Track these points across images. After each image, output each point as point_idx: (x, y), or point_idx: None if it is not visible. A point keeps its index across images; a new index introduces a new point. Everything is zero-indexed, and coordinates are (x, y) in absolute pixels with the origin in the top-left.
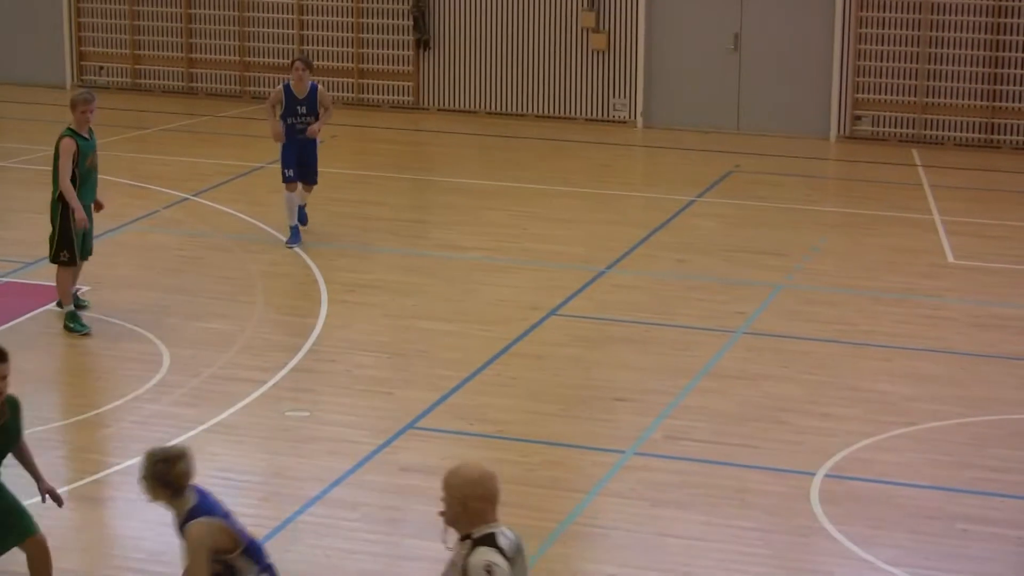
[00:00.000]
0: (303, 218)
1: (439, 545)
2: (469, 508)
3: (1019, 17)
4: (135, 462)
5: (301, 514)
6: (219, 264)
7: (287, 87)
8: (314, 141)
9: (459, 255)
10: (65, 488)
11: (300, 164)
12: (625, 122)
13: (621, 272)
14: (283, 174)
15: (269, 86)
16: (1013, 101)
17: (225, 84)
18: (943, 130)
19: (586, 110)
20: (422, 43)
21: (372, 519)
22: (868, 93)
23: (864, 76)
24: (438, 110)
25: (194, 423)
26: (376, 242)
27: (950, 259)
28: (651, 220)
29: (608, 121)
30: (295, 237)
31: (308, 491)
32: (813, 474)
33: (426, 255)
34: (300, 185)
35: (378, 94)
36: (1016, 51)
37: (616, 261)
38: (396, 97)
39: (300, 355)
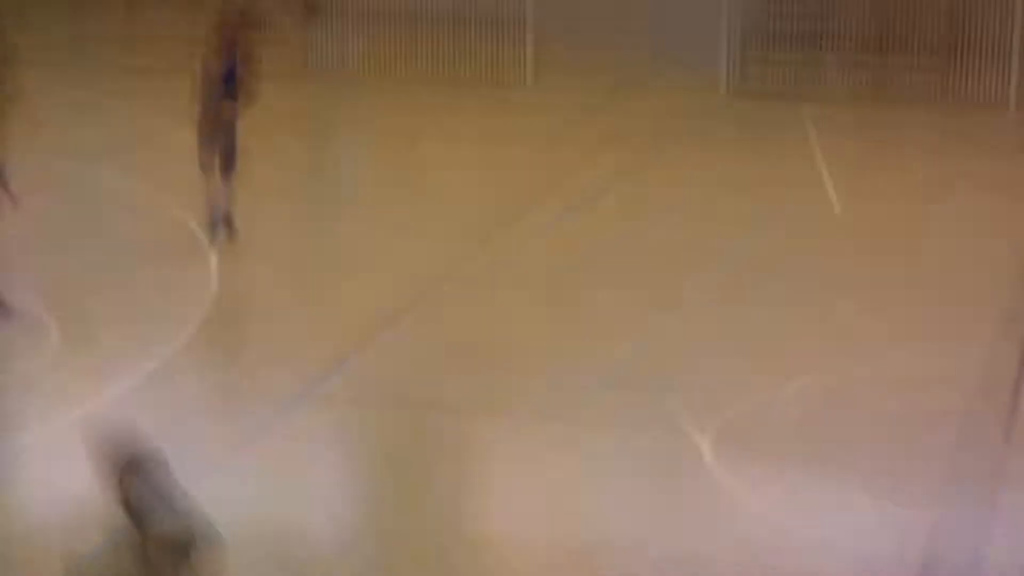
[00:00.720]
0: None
1: None
2: None
3: None
4: None
5: None
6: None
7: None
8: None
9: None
10: None
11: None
12: None
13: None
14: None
15: None
16: (904, 53)
17: None
18: (832, 84)
19: None
20: None
21: None
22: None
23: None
24: None
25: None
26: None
27: (837, 211)
28: None
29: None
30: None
31: None
32: (704, 429)
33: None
34: (219, 174)
35: None
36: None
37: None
38: None
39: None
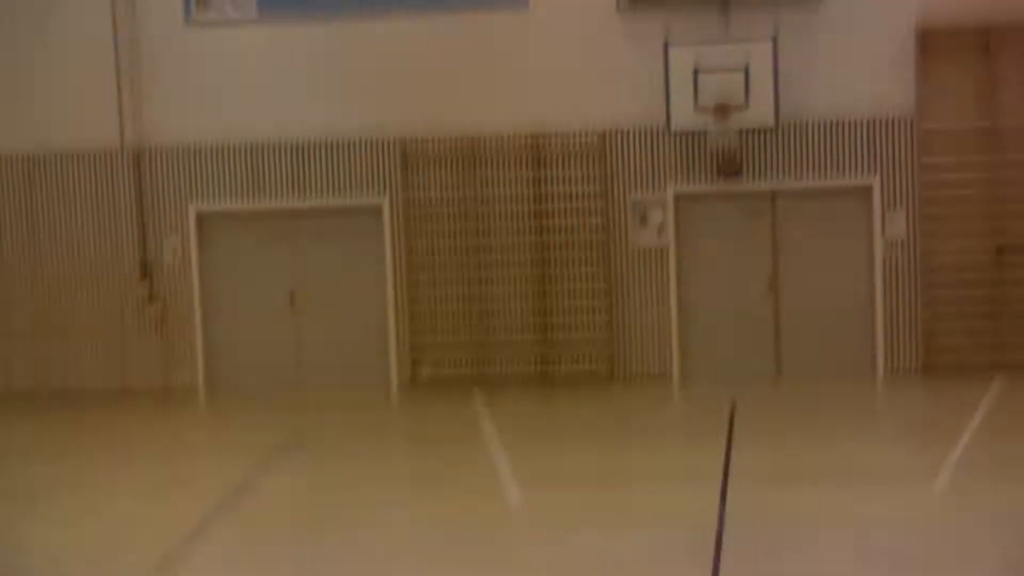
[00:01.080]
0: None
1: None
2: None
3: (560, 268)
4: None
5: None
6: None
7: None
8: None
9: None
10: None
11: None
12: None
13: None
14: None
15: None
16: (562, 331)
17: None
18: (501, 367)
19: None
20: None
21: None
22: (426, 336)
23: (420, 320)
24: None
25: None
26: None
27: (514, 503)
28: None
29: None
30: None
31: None
32: None
33: None
34: None
35: None
36: (561, 298)
37: None
38: None
39: None
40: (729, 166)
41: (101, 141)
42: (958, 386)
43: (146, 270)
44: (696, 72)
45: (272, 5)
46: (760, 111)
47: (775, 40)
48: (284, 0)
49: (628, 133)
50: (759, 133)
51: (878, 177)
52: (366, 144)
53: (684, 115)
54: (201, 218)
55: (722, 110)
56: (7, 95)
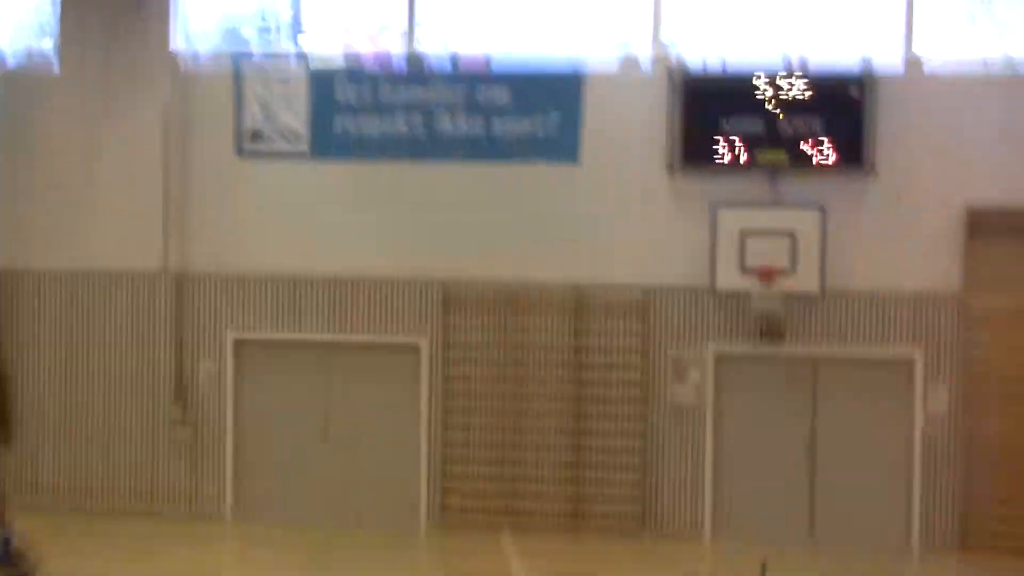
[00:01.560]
0: None
1: None
2: None
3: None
4: None
5: None
6: None
7: None
8: None
9: None
10: None
11: None
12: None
13: None
14: None
15: None
16: (595, 478)
17: None
18: (532, 504)
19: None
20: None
21: None
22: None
23: (453, 464)
24: None
25: None
26: None
27: None
28: None
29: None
30: None
31: None
32: None
33: None
34: None
35: None
36: (593, 453)
37: None
38: None
39: None
40: (772, 330)
41: (144, 264)
42: (997, 568)
43: (180, 393)
44: (743, 235)
45: (324, 143)
46: (806, 278)
47: (823, 209)
48: (336, 139)
49: (671, 291)
50: (803, 300)
51: (921, 351)
52: (407, 284)
53: (729, 277)
54: (239, 345)
55: (767, 274)
56: (55, 213)
